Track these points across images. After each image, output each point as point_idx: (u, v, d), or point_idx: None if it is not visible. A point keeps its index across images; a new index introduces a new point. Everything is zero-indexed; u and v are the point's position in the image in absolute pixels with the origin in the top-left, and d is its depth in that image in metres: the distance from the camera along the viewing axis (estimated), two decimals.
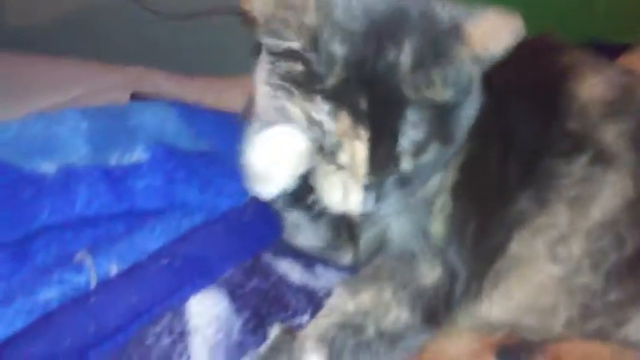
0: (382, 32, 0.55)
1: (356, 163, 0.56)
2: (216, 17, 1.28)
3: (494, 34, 0.56)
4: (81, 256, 0.57)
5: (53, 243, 0.61)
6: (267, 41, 0.58)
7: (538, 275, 0.64)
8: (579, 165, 0.64)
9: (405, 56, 0.55)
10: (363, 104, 0.55)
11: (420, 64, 0.55)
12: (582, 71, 0.69)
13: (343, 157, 0.57)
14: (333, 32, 0.55)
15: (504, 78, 0.65)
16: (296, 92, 0.56)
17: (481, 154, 0.66)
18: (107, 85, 1.16)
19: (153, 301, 0.56)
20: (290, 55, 0.56)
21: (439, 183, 0.65)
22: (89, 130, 0.67)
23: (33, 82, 1.12)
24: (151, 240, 0.62)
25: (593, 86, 0.68)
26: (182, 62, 1.31)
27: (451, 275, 0.64)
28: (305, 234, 0.68)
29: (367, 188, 0.57)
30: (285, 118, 0.58)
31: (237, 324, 0.59)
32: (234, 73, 0.97)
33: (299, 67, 0.56)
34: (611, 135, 0.65)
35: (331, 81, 0.55)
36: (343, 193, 0.58)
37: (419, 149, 0.57)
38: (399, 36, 0.55)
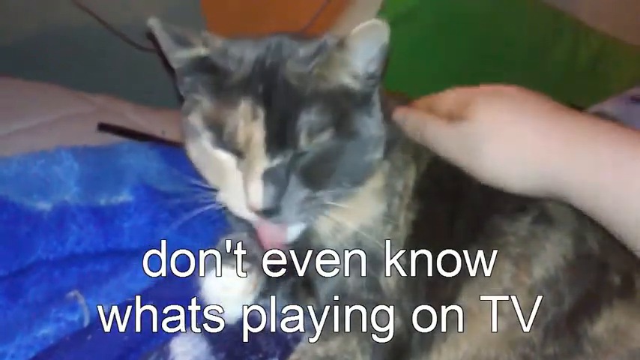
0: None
1: (253, 145, 0.62)
2: None
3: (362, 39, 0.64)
4: (73, 294, 0.59)
5: (43, 280, 0.63)
6: (178, 55, 0.68)
7: (484, 328, 0.67)
8: (523, 224, 0.68)
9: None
10: (261, 89, 0.63)
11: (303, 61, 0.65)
12: None
13: (241, 137, 0.63)
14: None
15: None
16: (204, 98, 0.66)
17: (432, 212, 0.71)
18: (73, 113, 1.14)
19: (141, 340, 0.59)
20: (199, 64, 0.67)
21: (390, 239, 0.70)
22: (80, 170, 0.69)
23: None
24: (136, 281, 0.65)
25: None
26: (146, 93, 1.33)
27: (407, 326, 0.68)
28: None
29: (266, 176, 0.62)
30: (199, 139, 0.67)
31: None
32: None
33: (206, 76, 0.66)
34: (553, 201, 0.69)
35: (237, 77, 0.64)
36: (244, 187, 0.63)
37: (313, 129, 0.63)
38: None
